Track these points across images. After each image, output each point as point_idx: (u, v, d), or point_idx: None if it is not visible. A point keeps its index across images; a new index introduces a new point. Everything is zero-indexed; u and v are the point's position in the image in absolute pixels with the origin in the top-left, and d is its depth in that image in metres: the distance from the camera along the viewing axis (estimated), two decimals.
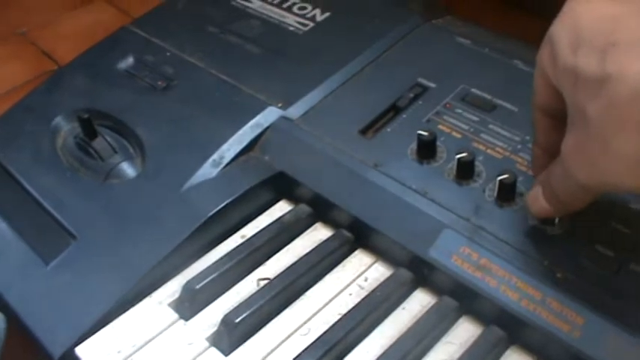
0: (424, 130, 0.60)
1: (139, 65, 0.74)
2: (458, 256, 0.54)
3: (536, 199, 0.53)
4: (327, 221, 0.62)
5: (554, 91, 0.48)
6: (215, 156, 0.63)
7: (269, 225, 0.61)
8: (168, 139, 0.66)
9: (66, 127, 0.71)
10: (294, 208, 0.62)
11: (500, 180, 0.56)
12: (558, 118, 0.50)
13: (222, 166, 0.63)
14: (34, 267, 0.60)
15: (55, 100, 0.73)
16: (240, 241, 0.60)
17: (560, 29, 0.46)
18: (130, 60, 0.76)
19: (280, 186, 0.63)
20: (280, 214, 0.62)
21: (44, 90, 0.75)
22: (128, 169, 0.65)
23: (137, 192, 0.62)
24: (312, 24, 0.78)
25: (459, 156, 0.58)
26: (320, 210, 0.62)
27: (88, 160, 0.67)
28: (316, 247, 0.59)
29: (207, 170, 0.63)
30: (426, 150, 0.60)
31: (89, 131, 0.67)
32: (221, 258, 0.58)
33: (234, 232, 0.61)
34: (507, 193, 0.56)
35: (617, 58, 0.41)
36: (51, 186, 0.65)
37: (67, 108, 0.71)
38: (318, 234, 0.61)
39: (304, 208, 0.62)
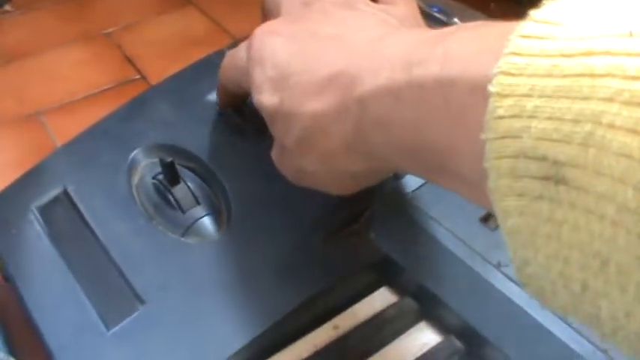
0: None
1: None
2: None
3: None
4: (434, 322, 0.53)
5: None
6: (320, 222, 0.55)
7: (368, 320, 0.52)
8: (262, 196, 0.57)
9: (144, 162, 0.62)
10: (397, 302, 0.53)
11: None
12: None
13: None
14: (93, 330, 0.52)
15: (135, 128, 0.64)
16: (333, 333, 0.51)
17: None
18: None
19: (383, 271, 0.55)
20: (381, 305, 0.53)
21: (124, 115, 0.66)
22: (210, 226, 0.57)
23: (221, 257, 0.54)
24: None
25: None
26: (427, 307, 0.53)
27: (166, 209, 0.58)
28: (423, 355, 0.50)
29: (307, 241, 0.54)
30: None
31: (171, 176, 0.58)
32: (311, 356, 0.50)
33: (326, 319, 0.53)
34: None
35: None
36: (122, 234, 0.57)
37: (148, 140, 0.63)
38: (422, 336, 0.52)
39: (409, 303, 0.53)
